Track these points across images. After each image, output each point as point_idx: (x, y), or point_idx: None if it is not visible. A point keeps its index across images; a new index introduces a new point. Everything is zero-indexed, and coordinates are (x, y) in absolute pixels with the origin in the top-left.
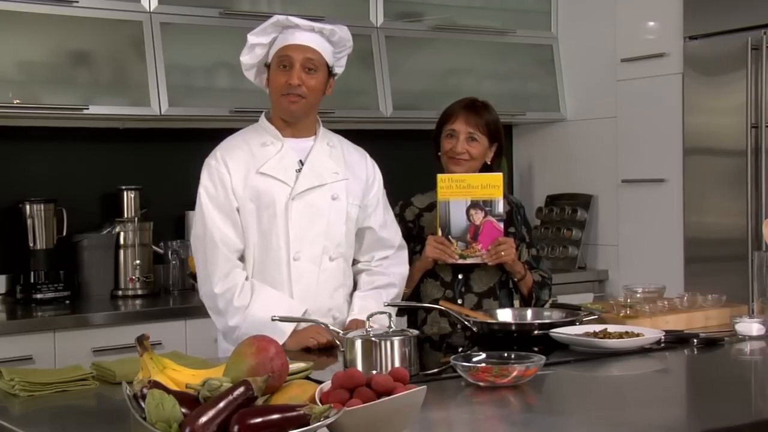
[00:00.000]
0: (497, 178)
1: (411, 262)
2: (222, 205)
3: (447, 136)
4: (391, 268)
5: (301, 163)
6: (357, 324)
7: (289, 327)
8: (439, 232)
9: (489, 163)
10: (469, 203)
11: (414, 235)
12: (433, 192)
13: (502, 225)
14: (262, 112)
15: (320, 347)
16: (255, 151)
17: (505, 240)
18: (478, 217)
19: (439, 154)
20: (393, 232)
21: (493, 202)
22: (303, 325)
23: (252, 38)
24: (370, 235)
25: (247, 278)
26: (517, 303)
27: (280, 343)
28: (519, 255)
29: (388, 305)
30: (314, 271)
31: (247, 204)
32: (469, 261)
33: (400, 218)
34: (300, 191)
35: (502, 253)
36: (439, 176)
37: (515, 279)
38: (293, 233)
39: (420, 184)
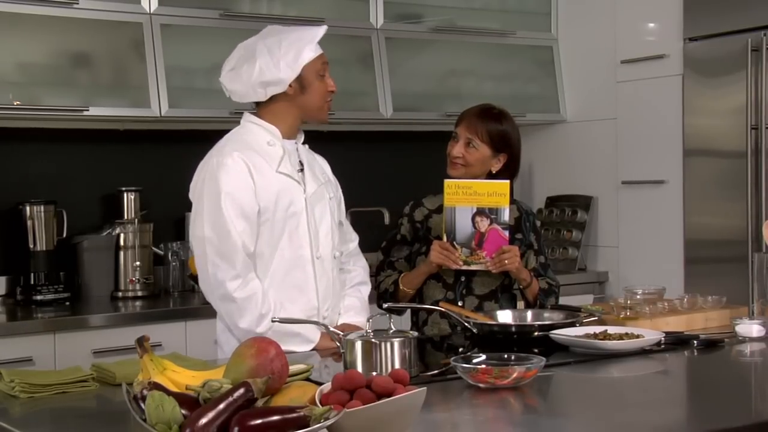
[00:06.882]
0: (504, 186)
1: (415, 263)
2: (243, 208)
3: (452, 138)
4: (358, 263)
5: (301, 163)
6: (348, 327)
7: (317, 334)
8: (444, 238)
9: (494, 172)
10: (474, 210)
11: (420, 236)
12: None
13: (507, 233)
14: None
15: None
16: (268, 150)
17: (510, 248)
18: (483, 224)
19: None
20: (348, 224)
21: (499, 210)
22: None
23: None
24: (340, 230)
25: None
26: (520, 306)
27: (310, 348)
28: (526, 262)
29: (387, 308)
30: (330, 269)
31: (269, 205)
32: (473, 267)
33: (409, 218)
34: (312, 190)
35: (506, 261)
36: (446, 182)
37: (521, 286)
38: (313, 231)
39: (418, 186)
